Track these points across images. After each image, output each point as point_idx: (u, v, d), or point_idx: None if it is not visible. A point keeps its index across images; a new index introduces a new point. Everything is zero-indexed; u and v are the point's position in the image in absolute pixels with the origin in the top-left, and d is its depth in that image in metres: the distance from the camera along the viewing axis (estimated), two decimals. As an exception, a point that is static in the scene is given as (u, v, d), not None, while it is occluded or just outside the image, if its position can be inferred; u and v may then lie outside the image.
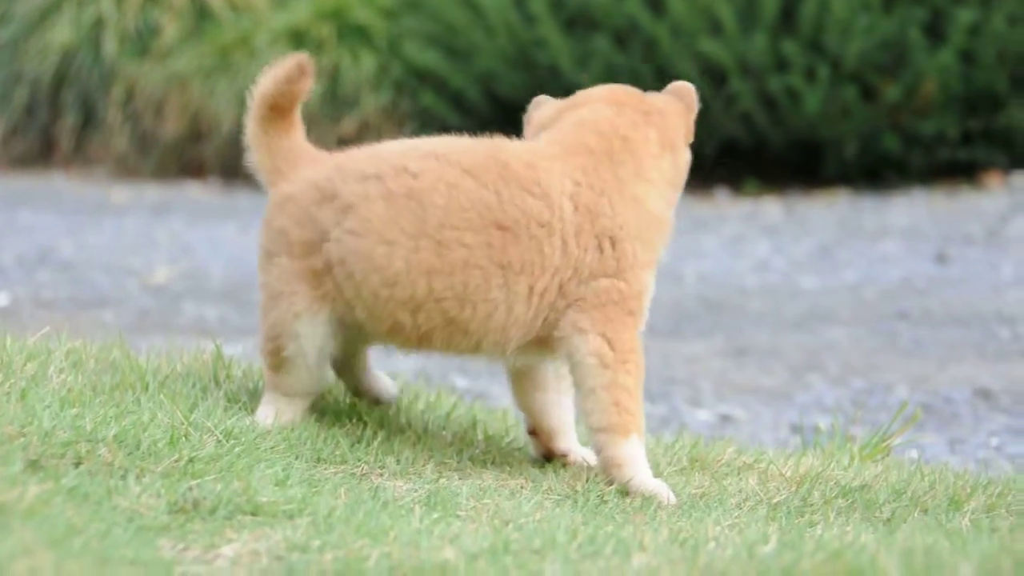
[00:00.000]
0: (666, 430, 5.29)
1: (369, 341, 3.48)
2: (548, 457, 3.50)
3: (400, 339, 3.36)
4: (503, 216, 3.26)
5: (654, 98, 3.57)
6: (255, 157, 3.46)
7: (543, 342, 3.35)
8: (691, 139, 3.57)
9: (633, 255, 3.29)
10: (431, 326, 3.30)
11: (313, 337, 3.36)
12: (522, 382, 3.49)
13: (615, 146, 3.41)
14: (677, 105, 3.55)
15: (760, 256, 8.65)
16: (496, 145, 3.38)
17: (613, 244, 3.29)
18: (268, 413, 3.42)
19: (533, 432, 3.51)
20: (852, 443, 4.01)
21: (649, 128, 3.47)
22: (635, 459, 3.26)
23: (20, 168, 11.68)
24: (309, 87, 3.45)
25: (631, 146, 3.42)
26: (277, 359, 3.41)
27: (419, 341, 3.35)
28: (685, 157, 3.54)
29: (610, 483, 3.27)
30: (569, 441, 3.50)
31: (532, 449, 3.53)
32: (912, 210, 9.80)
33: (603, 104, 3.54)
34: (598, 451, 3.30)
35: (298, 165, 3.42)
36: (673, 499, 3.23)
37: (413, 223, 3.27)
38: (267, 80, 3.44)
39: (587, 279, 3.27)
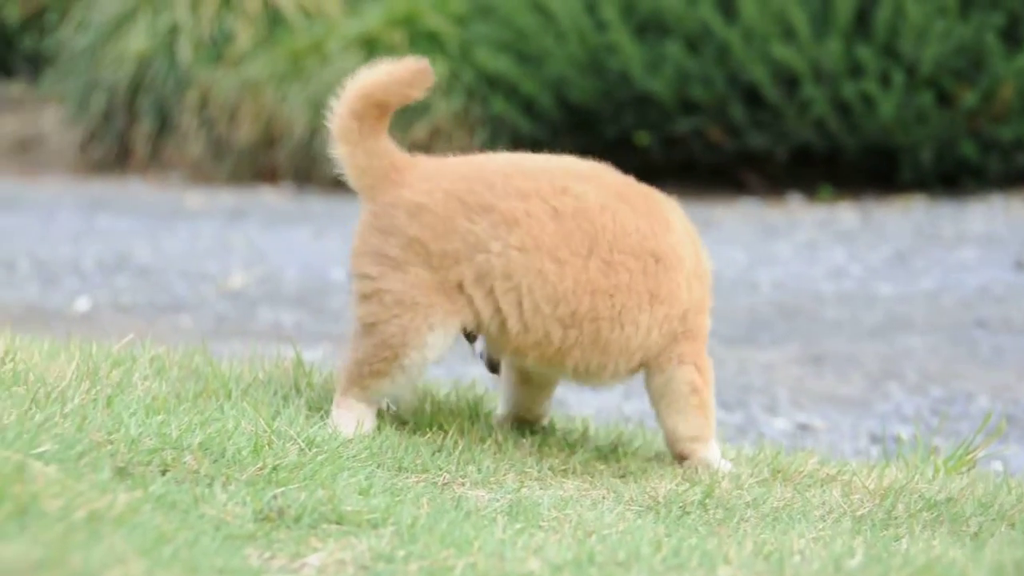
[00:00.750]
0: (744, 439, 5.26)
1: (498, 353, 3.52)
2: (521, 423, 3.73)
3: (536, 353, 3.43)
4: (656, 246, 3.45)
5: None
6: (344, 151, 3.39)
7: (638, 368, 3.57)
8: None
9: (702, 296, 3.55)
10: (576, 343, 3.41)
11: (440, 348, 3.40)
12: (530, 385, 3.66)
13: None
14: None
15: (835, 263, 8.58)
16: (622, 175, 3.53)
17: (700, 284, 3.55)
18: (349, 421, 3.42)
19: (519, 418, 3.71)
20: (935, 455, 3.96)
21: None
22: (716, 455, 3.63)
23: (97, 173, 11.82)
24: (421, 94, 3.41)
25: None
26: (388, 366, 3.39)
27: (553, 357, 3.43)
28: None
29: (691, 486, 3.37)
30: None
31: (501, 417, 3.70)
32: (990, 216, 9.69)
33: None
34: (688, 455, 3.58)
35: (400, 169, 3.39)
36: (731, 467, 3.60)
37: (584, 243, 3.37)
38: (380, 76, 3.36)
39: (696, 313, 3.53)
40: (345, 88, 3.38)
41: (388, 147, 3.41)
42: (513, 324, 3.38)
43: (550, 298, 3.37)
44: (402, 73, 3.37)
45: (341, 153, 3.40)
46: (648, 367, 3.54)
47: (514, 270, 3.35)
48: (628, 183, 3.51)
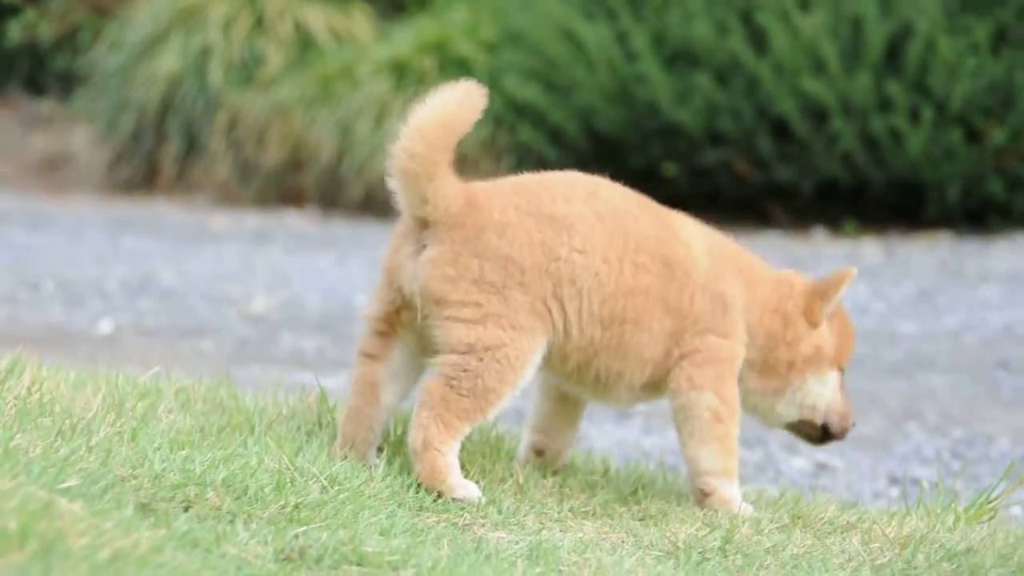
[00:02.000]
0: (763, 477, 5.26)
1: (545, 367, 3.54)
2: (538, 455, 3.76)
3: (578, 358, 3.48)
4: (667, 253, 3.52)
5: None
6: (431, 188, 3.34)
7: (649, 387, 3.59)
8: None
9: (736, 325, 3.56)
10: (605, 346, 3.47)
11: (533, 373, 3.45)
12: (559, 411, 3.70)
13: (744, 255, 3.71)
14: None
15: (858, 299, 8.57)
16: (643, 196, 3.61)
17: (724, 310, 3.55)
18: (454, 463, 3.38)
19: (539, 451, 3.74)
20: (956, 502, 3.96)
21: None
22: (737, 496, 3.62)
23: (124, 194, 11.88)
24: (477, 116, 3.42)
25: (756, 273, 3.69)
26: (508, 390, 3.39)
27: (587, 362, 3.49)
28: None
29: (711, 531, 3.36)
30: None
31: (523, 452, 3.74)
32: (1015, 255, 9.67)
33: None
34: (710, 492, 3.58)
35: (474, 194, 3.41)
36: (752, 511, 3.59)
37: (620, 244, 3.47)
38: (446, 105, 3.35)
39: (701, 332, 3.51)
40: (413, 127, 3.35)
41: (451, 174, 3.41)
42: (574, 329, 3.46)
43: (601, 299, 3.46)
44: (461, 98, 3.37)
45: (425, 191, 3.35)
46: (665, 390, 3.57)
47: (578, 274, 3.44)
48: (636, 193, 3.60)
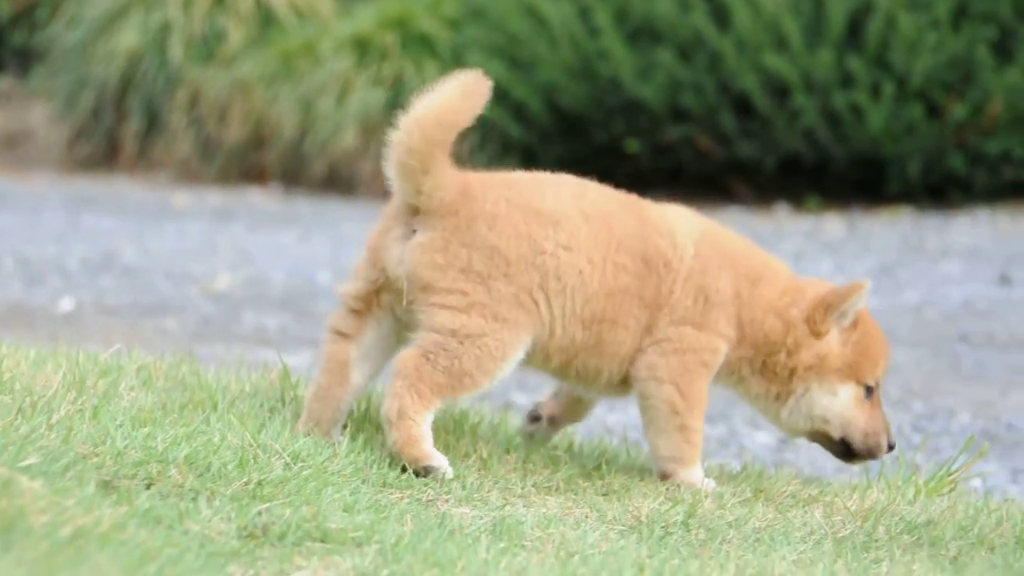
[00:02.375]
0: (726, 453, 5.28)
1: (529, 365, 3.57)
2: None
3: (560, 357, 3.53)
4: (647, 250, 3.54)
5: None
6: (426, 180, 3.36)
7: (627, 381, 3.64)
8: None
9: (717, 322, 3.56)
10: (585, 346, 3.52)
11: (514, 365, 3.47)
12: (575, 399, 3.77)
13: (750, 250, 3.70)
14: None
15: (821, 273, 8.60)
16: (627, 194, 3.64)
17: (705, 303, 3.56)
18: (428, 432, 3.40)
19: (551, 418, 3.81)
20: (917, 475, 3.98)
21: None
22: (698, 479, 3.63)
23: (85, 171, 11.80)
24: (480, 106, 3.42)
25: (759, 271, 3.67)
26: (487, 379, 3.42)
27: (566, 361, 3.54)
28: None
29: (673, 505, 3.39)
30: None
31: (527, 423, 3.80)
32: (975, 230, 9.73)
33: None
34: (669, 474, 3.61)
35: (469, 184, 3.43)
36: (715, 486, 3.61)
37: (604, 244, 3.50)
38: (449, 99, 3.36)
39: (676, 322, 3.54)
40: (412, 120, 3.35)
41: (448, 164, 3.43)
42: (557, 328, 3.48)
43: (584, 299, 3.49)
44: (463, 90, 3.38)
45: (421, 183, 3.37)
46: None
47: (563, 270, 3.46)
48: (621, 193, 3.63)
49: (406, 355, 3.40)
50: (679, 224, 3.59)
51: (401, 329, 3.48)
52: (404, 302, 3.43)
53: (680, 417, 3.55)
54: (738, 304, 3.60)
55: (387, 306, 3.47)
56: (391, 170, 3.40)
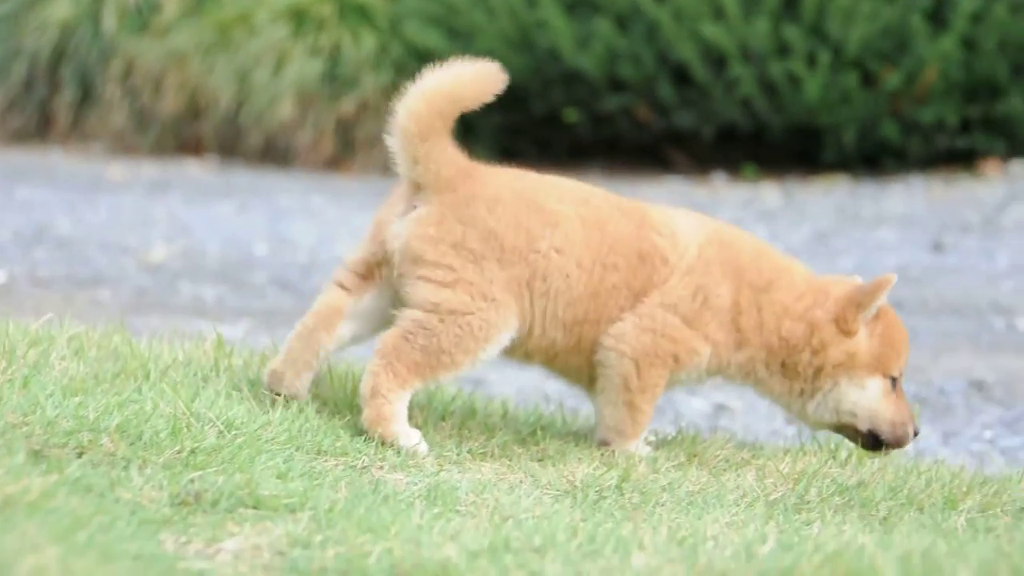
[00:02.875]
0: (662, 420, 5.31)
1: (512, 357, 3.58)
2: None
3: (541, 357, 3.57)
4: (643, 247, 3.56)
5: None
6: (425, 148, 3.38)
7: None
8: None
9: (706, 325, 3.57)
10: (566, 346, 3.54)
11: (499, 348, 3.47)
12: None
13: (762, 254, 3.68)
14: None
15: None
16: (636, 201, 3.66)
17: (703, 303, 3.57)
18: (401, 412, 3.41)
19: None
20: (849, 438, 4.02)
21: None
22: (635, 451, 3.65)
23: (17, 143, 11.66)
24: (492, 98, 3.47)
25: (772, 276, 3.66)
26: (467, 358, 3.42)
27: (549, 360, 3.58)
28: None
29: (607, 470, 3.42)
30: None
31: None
32: (910, 198, 9.81)
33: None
34: (608, 442, 3.63)
35: (471, 167, 3.46)
36: (650, 451, 3.64)
37: (595, 249, 3.51)
38: (466, 77, 3.41)
39: (667, 307, 3.56)
40: (419, 89, 3.39)
41: (451, 146, 3.47)
42: (536, 328, 3.50)
43: (567, 302, 3.51)
44: (476, 75, 3.43)
45: (421, 151, 3.39)
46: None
47: (551, 272, 3.48)
48: (634, 202, 3.65)
49: (387, 334, 3.43)
50: (684, 226, 3.61)
51: (398, 304, 3.50)
52: (395, 274, 3.45)
53: (631, 395, 3.57)
54: (735, 312, 3.59)
55: (388, 281, 3.49)
56: (393, 139, 3.43)
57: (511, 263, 3.44)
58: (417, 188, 3.46)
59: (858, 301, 3.62)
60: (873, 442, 3.68)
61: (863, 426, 3.66)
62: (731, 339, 3.61)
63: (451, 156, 3.43)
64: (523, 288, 3.46)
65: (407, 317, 3.41)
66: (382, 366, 3.39)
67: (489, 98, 3.45)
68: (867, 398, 3.65)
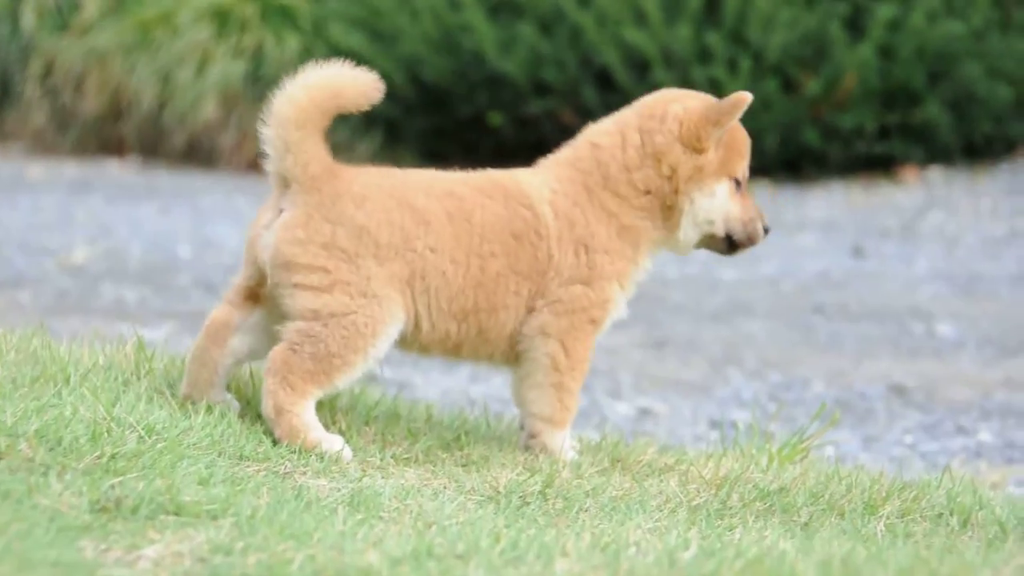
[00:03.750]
0: (587, 424, 5.33)
1: (409, 350, 3.57)
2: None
3: (439, 349, 3.55)
4: (515, 227, 3.54)
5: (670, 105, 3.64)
6: (298, 137, 3.37)
7: None
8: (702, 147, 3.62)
9: (603, 267, 3.56)
10: (467, 337, 3.53)
11: (388, 343, 3.44)
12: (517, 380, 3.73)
13: (583, 154, 3.62)
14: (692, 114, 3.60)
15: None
16: (487, 172, 3.63)
17: (587, 253, 3.56)
18: (320, 431, 3.39)
19: (523, 427, 3.72)
20: (771, 443, 4.05)
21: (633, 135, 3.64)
22: (563, 447, 3.65)
23: (-66, 142, 11.51)
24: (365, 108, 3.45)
25: (600, 155, 3.62)
26: (358, 358, 3.39)
27: (450, 351, 3.56)
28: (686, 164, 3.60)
29: (531, 475, 3.40)
30: None
31: (521, 439, 3.70)
32: (830, 203, 9.92)
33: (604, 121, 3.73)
34: (535, 433, 3.62)
35: (336, 167, 3.44)
36: (574, 456, 3.63)
37: (466, 242, 3.50)
38: (351, 79, 3.40)
39: (566, 283, 3.55)
40: (300, 80, 3.38)
41: (321, 145, 3.45)
42: (424, 323, 3.49)
43: (449, 297, 3.49)
44: (368, 83, 3.41)
45: (294, 138, 3.38)
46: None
47: (428, 271, 3.47)
48: (488, 177, 3.61)
49: (275, 351, 3.40)
50: (535, 189, 3.58)
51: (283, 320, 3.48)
52: (270, 285, 3.42)
53: (560, 375, 3.56)
54: (615, 226, 3.58)
55: (271, 300, 3.47)
56: (266, 127, 3.41)
57: (388, 259, 3.43)
58: (284, 186, 3.43)
59: (715, 120, 3.58)
60: (729, 245, 3.68)
61: (719, 231, 3.66)
62: (629, 245, 3.59)
63: (320, 153, 3.42)
64: (404, 284, 3.45)
65: (291, 329, 3.40)
66: (277, 383, 3.38)
67: (367, 105, 3.43)
68: (718, 203, 3.63)
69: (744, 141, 3.68)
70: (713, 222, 3.65)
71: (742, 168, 3.67)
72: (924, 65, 10.21)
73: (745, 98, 3.60)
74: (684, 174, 3.61)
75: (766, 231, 3.70)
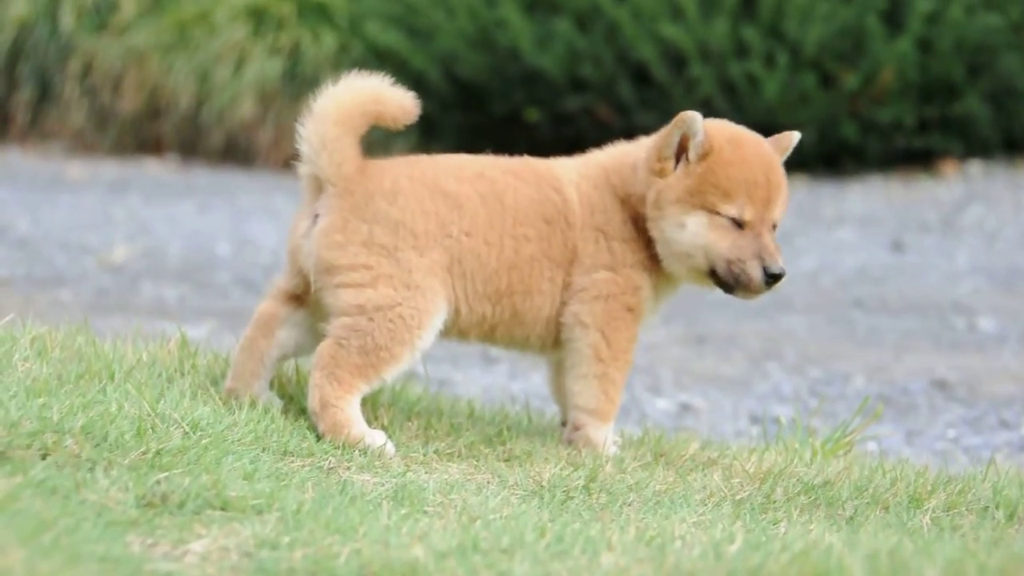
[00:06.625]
0: (628, 420, 5.32)
1: (448, 336, 3.58)
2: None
3: (476, 332, 3.56)
4: (547, 211, 3.57)
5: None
6: (335, 134, 3.42)
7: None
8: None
9: (625, 255, 3.57)
10: (501, 319, 3.54)
11: (434, 333, 3.46)
12: (558, 375, 3.73)
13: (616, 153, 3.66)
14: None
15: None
16: (521, 158, 3.66)
17: (606, 240, 3.57)
18: (356, 416, 3.41)
19: (564, 423, 3.73)
20: (814, 437, 4.04)
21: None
22: (607, 441, 3.64)
23: (-25, 142, 11.58)
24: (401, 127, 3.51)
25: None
26: (405, 350, 3.41)
27: (486, 334, 3.58)
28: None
29: (575, 470, 3.40)
30: None
31: (564, 435, 3.69)
32: (869, 198, 9.87)
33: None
34: (579, 426, 3.62)
35: (366, 165, 3.48)
36: (617, 451, 3.62)
37: (499, 223, 3.52)
38: (394, 93, 3.46)
39: (588, 270, 3.57)
40: (352, 81, 3.45)
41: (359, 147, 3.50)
42: (463, 307, 3.51)
43: (484, 278, 3.52)
44: (409, 100, 3.48)
45: (331, 134, 3.43)
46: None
47: (464, 255, 3.50)
48: (521, 161, 3.64)
49: (322, 347, 3.43)
50: (565, 176, 3.60)
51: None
52: (313, 290, 3.45)
53: (603, 365, 3.56)
54: (628, 207, 3.57)
55: (317, 305, 3.52)
56: (306, 125, 3.45)
57: (427, 248, 3.46)
58: (317, 189, 3.47)
59: (659, 145, 3.55)
60: (719, 283, 3.51)
61: (700, 266, 3.50)
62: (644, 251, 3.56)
63: (355, 155, 3.46)
64: (445, 272, 3.48)
65: (337, 324, 3.42)
66: (324, 377, 3.40)
67: (404, 121, 3.48)
68: (687, 236, 3.48)
69: (738, 178, 3.49)
70: (691, 256, 3.51)
71: (735, 204, 3.46)
72: (963, 58, 10.14)
73: (683, 118, 3.53)
74: (649, 199, 3.56)
75: (772, 276, 3.45)
